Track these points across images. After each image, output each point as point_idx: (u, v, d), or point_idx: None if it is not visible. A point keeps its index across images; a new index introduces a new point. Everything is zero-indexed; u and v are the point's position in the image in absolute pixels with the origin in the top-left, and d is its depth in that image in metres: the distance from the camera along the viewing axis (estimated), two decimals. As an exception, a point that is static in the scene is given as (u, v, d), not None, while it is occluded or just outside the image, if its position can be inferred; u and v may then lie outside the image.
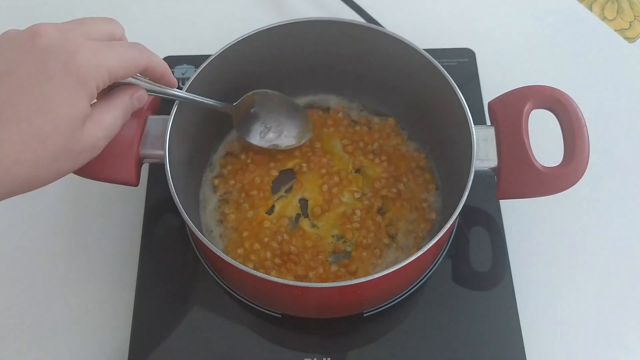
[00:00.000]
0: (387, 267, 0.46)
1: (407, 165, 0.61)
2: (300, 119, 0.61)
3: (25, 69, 0.38)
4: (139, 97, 0.46)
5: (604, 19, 0.78)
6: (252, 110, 0.59)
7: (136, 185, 0.53)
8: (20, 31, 0.40)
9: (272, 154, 0.61)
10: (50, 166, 0.39)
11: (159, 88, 0.48)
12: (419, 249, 0.47)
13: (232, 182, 0.60)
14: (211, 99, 0.55)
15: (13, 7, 0.77)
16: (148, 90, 0.47)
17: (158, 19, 0.77)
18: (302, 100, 0.65)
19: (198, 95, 0.53)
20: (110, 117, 0.43)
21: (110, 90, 0.45)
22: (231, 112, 0.58)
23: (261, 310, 0.55)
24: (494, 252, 0.58)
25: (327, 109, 0.65)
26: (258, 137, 0.60)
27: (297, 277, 0.55)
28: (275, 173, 0.61)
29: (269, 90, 0.60)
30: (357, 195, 0.59)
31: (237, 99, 0.58)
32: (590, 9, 0.78)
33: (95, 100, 0.42)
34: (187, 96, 0.52)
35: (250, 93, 0.59)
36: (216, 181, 0.61)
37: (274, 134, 0.61)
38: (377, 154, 0.62)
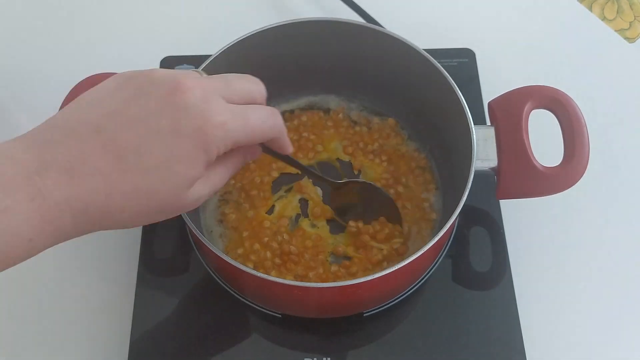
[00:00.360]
0: (387, 268, 0.47)
1: (407, 165, 0.61)
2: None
3: (158, 124, 0.37)
4: (253, 154, 0.45)
5: (604, 19, 0.78)
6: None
7: None
8: (164, 80, 0.38)
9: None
10: (151, 217, 0.39)
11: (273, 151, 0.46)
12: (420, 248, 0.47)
13: (232, 182, 0.60)
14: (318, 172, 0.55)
15: (13, 4, 0.77)
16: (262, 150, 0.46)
17: (158, 19, 0.77)
18: (302, 101, 0.65)
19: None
20: (220, 178, 0.42)
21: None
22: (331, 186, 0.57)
23: (261, 310, 0.55)
24: (494, 252, 0.58)
25: (327, 110, 0.65)
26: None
27: (297, 277, 0.55)
28: (275, 174, 0.61)
29: (375, 185, 0.58)
30: None
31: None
32: (590, 9, 0.78)
33: None
34: (303, 168, 0.52)
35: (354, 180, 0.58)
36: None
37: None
38: (377, 154, 0.62)
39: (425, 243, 0.47)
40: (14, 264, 0.36)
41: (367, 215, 0.58)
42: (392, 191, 0.60)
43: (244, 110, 0.40)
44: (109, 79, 0.40)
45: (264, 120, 0.41)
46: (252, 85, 0.43)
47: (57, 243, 0.37)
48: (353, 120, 0.64)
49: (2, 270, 0.36)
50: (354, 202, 0.58)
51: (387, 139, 0.63)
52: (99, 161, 0.36)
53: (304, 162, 0.62)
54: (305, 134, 0.63)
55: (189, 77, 0.39)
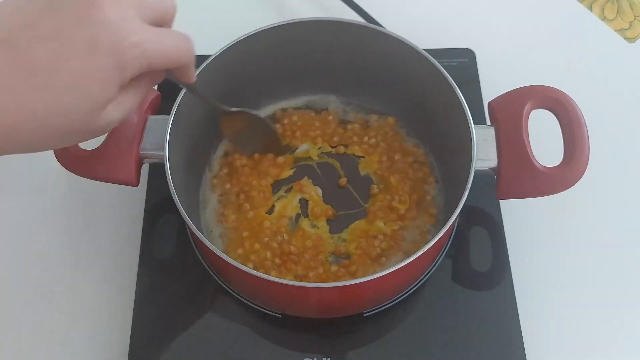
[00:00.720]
0: (387, 267, 0.46)
1: (405, 159, 0.61)
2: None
3: (73, 38, 0.35)
4: (157, 79, 0.44)
5: (604, 19, 0.78)
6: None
7: (136, 185, 0.53)
8: None
9: (270, 160, 0.62)
10: (59, 138, 0.38)
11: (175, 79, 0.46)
12: (424, 243, 0.47)
13: (228, 185, 0.60)
14: (211, 98, 0.55)
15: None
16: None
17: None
18: (301, 100, 0.65)
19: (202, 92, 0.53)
20: (131, 101, 0.41)
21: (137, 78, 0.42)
22: (222, 116, 0.57)
23: (261, 310, 0.55)
24: (494, 252, 0.58)
25: (326, 109, 0.65)
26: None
27: (297, 277, 0.55)
28: (271, 180, 0.61)
29: (262, 118, 0.60)
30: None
31: (236, 99, 0.58)
32: (590, 9, 0.78)
33: None
34: (196, 93, 0.52)
35: (244, 111, 0.58)
36: (215, 181, 0.61)
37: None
38: (373, 147, 0.62)
39: (425, 237, 0.47)
40: None
41: (252, 144, 0.60)
42: (390, 179, 0.60)
43: (160, 31, 0.39)
44: None
45: (179, 44, 0.41)
46: (166, 2, 0.41)
47: None
48: (346, 120, 0.64)
49: None
50: (242, 129, 0.59)
51: (386, 136, 0.63)
52: (8, 77, 0.34)
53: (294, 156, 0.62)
54: (289, 132, 0.63)
55: None
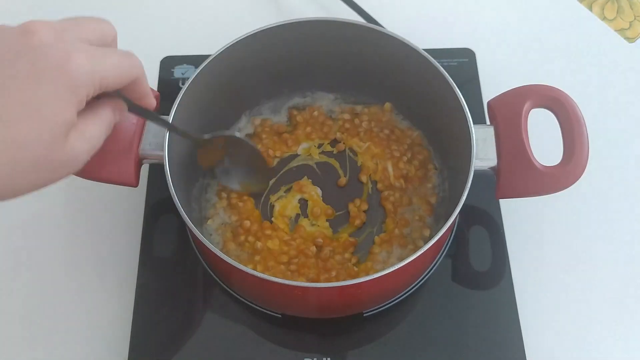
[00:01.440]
0: (387, 267, 0.47)
1: (402, 144, 0.62)
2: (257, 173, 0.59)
3: (13, 69, 0.35)
4: (121, 112, 0.43)
5: (604, 19, 0.78)
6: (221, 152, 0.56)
7: (136, 185, 0.53)
8: (12, 27, 0.37)
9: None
10: (27, 176, 0.36)
11: (137, 106, 0.44)
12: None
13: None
14: (182, 130, 0.51)
15: (13, 4, 0.77)
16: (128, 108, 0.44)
17: (157, 19, 0.77)
18: (300, 100, 0.65)
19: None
20: (95, 130, 0.40)
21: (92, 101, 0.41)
22: (198, 147, 0.54)
23: (261, 310, 0.55)
24: (493, 251, 0.58)
25: (328, 110, 0.65)
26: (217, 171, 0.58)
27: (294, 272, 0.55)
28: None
29: (240, 137, 0.56)
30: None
31: (236, 100, 0.58)
32: (590, 9, 0.78)
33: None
34: (163, 123, 0.49)
35: (220, 135, 0.54)
36: (214, 185, 0.61)
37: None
38: (367, 135, 0.63)
39: (421, 233, 0.47)
40: None
41: (236, 168, 0.57)
42: (387, 165, 0.60)
43: (103, 49, 0.39)
44: None
45: (125, 59, 0.40)
46: (102, 24, 0.41)
47: None
48: (332, 117, 0.65)
49: None
50: (220, 157, 0.56)
51: (379, 122, 0.63)
52: None
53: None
54: (275, 137, 0.63)
55: (36, 20, 0.37)
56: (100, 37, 0.40)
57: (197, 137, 0.52)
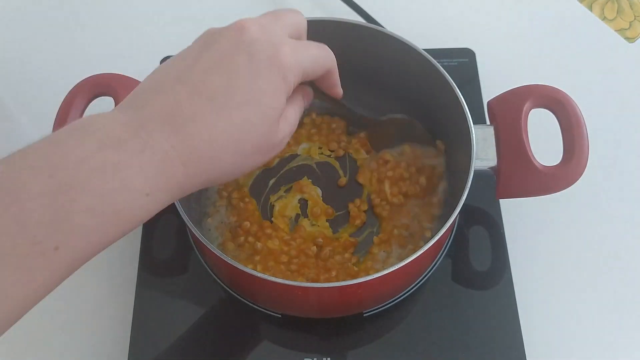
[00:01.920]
0: (387, 267, 0.47)
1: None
2: None
3: (235, 63, 0.39)
4: (309, 98, 0.47)
5: (604, 19, 0.78)
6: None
7: None
8: (227, 27, 0.41)
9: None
10: (250, 157, 0.40)
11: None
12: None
13: (233, 184, 0.60)
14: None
15: (13, 4, 0.77)
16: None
17: (158, 19, 0.77)
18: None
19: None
20: (294, 115, 0.44)
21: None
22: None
23: (261, 310, 0.55)
24: (493, 251, 0.58)
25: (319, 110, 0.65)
26: None
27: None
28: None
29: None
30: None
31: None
32: (590, 9, 0.78)
33: None
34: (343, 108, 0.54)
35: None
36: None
37: None
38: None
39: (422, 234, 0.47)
40: (133, 227, 0.36)
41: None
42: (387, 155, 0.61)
43: (303, 42, 0.43)
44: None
45: (322, 50, 0.44)
46: (298, 17, 0.44)
47: (173, 199, 0.38)
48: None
49: (121, 236, 0.36)
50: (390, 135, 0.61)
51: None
52: (194, 106, 0.37)
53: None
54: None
55: (245, 18, 0.41)
56: (296, 29, 0.44)
57: (372, 118, 0.60)
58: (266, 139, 0.40)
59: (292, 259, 0.55)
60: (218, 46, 0.40)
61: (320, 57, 0.44)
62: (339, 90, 0.48)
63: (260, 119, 0.39)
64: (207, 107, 0.37)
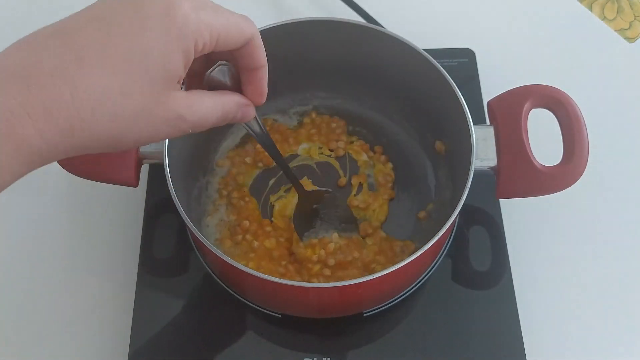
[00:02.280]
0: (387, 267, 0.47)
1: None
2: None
3: (117, 15, 0.34)
4: (245, 112, 0.42)
5: (604, 19, 0.78)
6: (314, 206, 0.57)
7: (135, 185, 0.53)
8: None
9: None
10: (130, 128, 0.35)
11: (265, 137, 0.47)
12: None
13: (233, 184, 0.60)
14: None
15: (13, 3, 0.77)
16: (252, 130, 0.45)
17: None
18: (299, 99, 0.65)
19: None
20: (207, 108, 0.38)
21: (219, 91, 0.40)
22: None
23: (261, 310, 0.55)
24: (493, 251, 0.58)
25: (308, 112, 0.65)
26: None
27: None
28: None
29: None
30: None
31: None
32: (590, 9, 0.78)
33: (188, 86, 0.40)
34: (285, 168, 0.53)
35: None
36: (215, 183, 0.61)
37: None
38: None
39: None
40: None
41: (326, 223, 0.57)
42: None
43: (213, 4, 0.37)
44: None
45: (237, 17, 0.38)
46: None
47: (32, 168, 0.33)
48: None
49: None
50: (315, 209, 0.57)
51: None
52: (57, 61, 0.32)
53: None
54: (277, 136, 0.63)
55: None
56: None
57: (304, 190, 0.56)
58: (151, 105, 0.35)
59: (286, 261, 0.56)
60: (105, 1, 0.35)
61: (239, 23, 0.38)
62: (262, 59, 0.41)
63: (141, 79, 0.34)
64: (75, 64, 0.33)
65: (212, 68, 0.40)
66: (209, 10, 0.36)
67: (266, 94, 0.43)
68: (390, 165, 0.62)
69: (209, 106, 0.39)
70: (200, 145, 0.60)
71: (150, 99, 0.35)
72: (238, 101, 0.41)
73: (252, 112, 0.42)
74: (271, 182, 0.61)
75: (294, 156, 0.63)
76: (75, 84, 0.32)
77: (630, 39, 0.77)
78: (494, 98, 0.55)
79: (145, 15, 0.34)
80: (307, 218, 0.57)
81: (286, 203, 0.60)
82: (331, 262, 0.54)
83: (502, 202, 0.60)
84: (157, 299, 0.56)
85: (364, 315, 0.55)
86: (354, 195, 0.60)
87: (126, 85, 0.34)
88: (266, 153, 0.61)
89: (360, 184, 0.61)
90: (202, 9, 0.36)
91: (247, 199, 0.60)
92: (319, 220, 0.57)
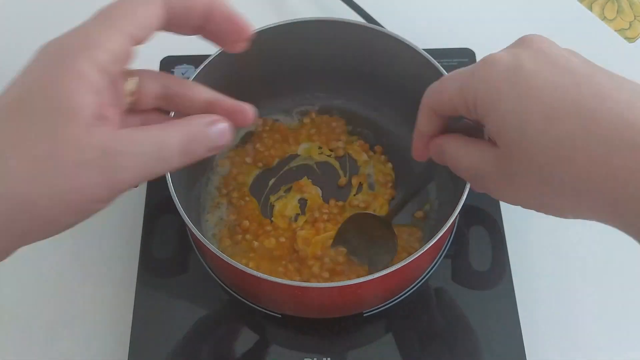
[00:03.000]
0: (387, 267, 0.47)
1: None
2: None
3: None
4: (221, 131, 0.33)
5: (604, 19, 0.78)
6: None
7: (136, 186, 0.53)
8: None
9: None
10: (46, 183, 0.30)
11: None
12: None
13: (233, 184, 0.60)
14: None
15: (13, 4, 0.77)
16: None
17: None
18: (300, 99, 0.65)
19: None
20: (148, 141, 0.30)
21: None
22: None
23: (261, 310, 0.55)
24: (493, 251, 0.58)
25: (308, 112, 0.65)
26: None
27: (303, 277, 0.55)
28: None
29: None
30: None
31: (235, 99, 0.58)
32: (590, 9, 0.78)
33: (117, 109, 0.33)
34: None
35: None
36: (216, 180, 0.61)
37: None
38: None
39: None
40: None
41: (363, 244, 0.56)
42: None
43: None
44: None
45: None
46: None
47: None
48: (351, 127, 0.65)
49: None
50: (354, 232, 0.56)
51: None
52: None
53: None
54: (277, 136, 0.63)
55: None
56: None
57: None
58: (51, 152, 0.29)
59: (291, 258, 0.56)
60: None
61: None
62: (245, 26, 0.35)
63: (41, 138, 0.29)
64: None
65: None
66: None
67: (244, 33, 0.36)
68: (390, 165, 0.62)
69: (152, 139, 0.31)
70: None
71: (50, 141, 0.29)
72: (206, 122, 0.33)
73: (227, 131, 0.35)
74: (271, 182, 0.61)
75: (294, 156, 0.63)
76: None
77: (630, 39, 0.77)
78: (494, 98, 0.55)
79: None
80: (353, 234, 0.56)
81: (286, 203, 0.60)
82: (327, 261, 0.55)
83: (502, 202, 0.60)
84: (157, 299, 0.56)
85: (364, 315, 0.55)
86: (354, 195, 0.60)
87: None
88: (266, 153, 0.62)
89: (360, 184, 0.61)
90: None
91: (247, 198, 0.60)
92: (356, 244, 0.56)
